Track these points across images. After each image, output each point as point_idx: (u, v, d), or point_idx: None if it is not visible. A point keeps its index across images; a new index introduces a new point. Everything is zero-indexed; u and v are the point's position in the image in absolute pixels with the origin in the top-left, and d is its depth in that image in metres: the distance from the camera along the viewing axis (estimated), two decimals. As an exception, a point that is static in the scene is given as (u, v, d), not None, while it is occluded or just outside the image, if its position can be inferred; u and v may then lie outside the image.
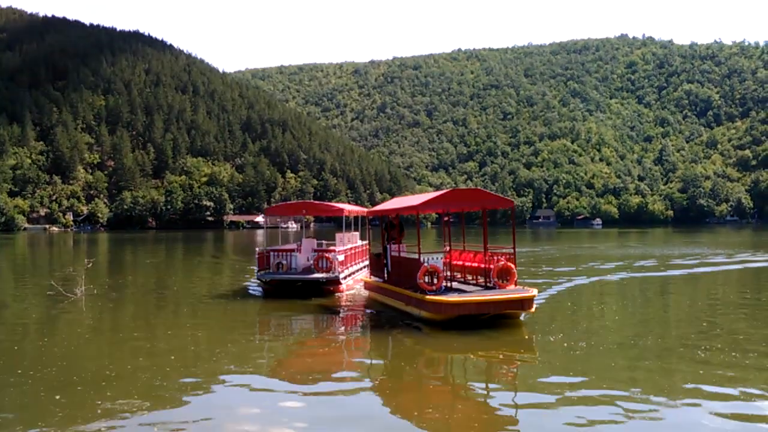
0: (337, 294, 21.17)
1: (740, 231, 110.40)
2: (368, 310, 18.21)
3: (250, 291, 22.65)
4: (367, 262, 26.54)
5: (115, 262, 45.28)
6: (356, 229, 27.92)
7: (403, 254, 17.82)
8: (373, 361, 12.66)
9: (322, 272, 21.15)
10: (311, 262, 22.10)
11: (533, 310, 15.12)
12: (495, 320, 14.79)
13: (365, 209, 27.82)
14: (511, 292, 15.35)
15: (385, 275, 18.74)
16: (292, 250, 22.72)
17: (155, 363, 11.77)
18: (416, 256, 16.18)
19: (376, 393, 10.06)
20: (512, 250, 16.59)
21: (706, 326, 15.29)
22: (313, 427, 8.38)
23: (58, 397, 9.48)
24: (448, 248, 19.85)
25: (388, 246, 18.64)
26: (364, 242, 27.28)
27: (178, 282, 28.61)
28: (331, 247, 23.35)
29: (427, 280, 15.31)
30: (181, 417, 8.71)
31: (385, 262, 18.78)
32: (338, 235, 25.38)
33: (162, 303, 21.02)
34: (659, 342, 13.39)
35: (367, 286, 21.01)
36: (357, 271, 24.72)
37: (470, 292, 15.75)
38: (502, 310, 14.87)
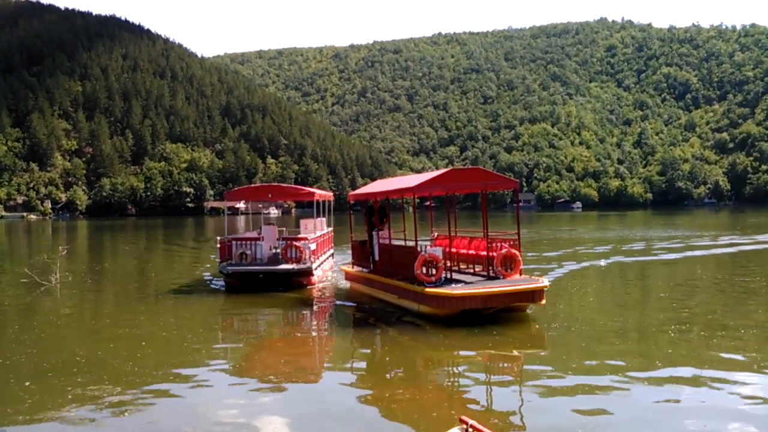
0: (309, 286, 19.29)
1: (718, 213, 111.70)
2: (352, 303, 16.71)
3: (212, 285, 20.53)
4: (332, 251, 25.42)
5: (93, 249, 44.99)
6: (323, 215, 25.66)
7: (394, 242, 16.35)
8: (368, 359, 11.58)
9: (292, 263, 19.20)
10: (274, 251, 20.36)
11: (544, 302, 13.81)
12: (498, 314, 13.67)
13: (331, 193, 26.53)
14: (520, 282, 13.97)
15: (371, 265, 17.31)
16: (257, 239, 20.50)
17: (126, 349, 11.78)
18: (409, 243, 15.11)
19: (369, 392, 9.55)
20: (516, 236, 15.34)
21: (686, 311, 15.52)
22: (292, 418, 8.43)
23: (27, 383, 9.47)
24: (435, 234, 18.80)
25: (374, 233, 17.22)
26: (330, 229, 25.82)
27: (154, 269, 28.48)
28: (302, 235, 21.16)
29: (425, 270, 13.83)
30: (153, 403, 8.73)
31: (371, 250, 17.32)
32: (303, 222, 23.50)
33: (136, 290, 20.94)
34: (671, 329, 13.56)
35: (349, 276, 19.25)
36: (325, 260, 22.93)
37: (472, 283, 14.27)
38: (512, 302, 13.58)
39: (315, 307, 16.89)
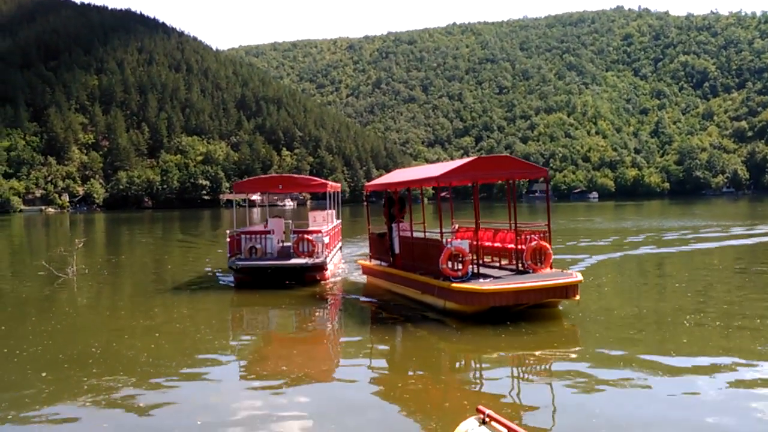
0: (322, 282, 18.52)
1: (736, 203, 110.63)
2: (370, 299, 16.10)
3: (220, 282, 19.76)
4: (341, 244, 24.73)
5: (110, 242, 45.37)
6: (333, 207, 24.55)
7: (416, 234, 15.55)
8: (387, 354, 11.18)
9: (304, 257, 18.42)
10: (282, 244, 19.87)
11: (578, 297, 13.05)
12: (528, 310, 12.94)
13: (339, 184, 25.67)
14: (552, 277, 13.21)
15: (390, 258, 16.63)
16: (267, 232, 19.68)
17: (141, 341, 11.88)
18: (428, 236, 14.64)
19: (383, 383, 9.46)
20: (546, 227, 14.53)
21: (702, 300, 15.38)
22: (305, 408, 8.46)
23: (44, 374, 9.58)
24: (456, 226, 18.03)
25: (394, 225, 16.56)
26: (338, 221, 25.03)
27: (170, 262, 28.63)
28: (314, 228, 20.31)
29: (450, 264, 13.12)
30: (167, 394, 8.80)
31: (390, 243, 16.65)
32: (311, 214, 22.89)
33: (152, 282, 21.01)
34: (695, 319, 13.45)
35: (367, 270, 18.48)
36: (335, 254, 22.08)
37: (501, 277, 13.50)
38: (544, 298, 12.84)
39: (331, 302, 16.36)
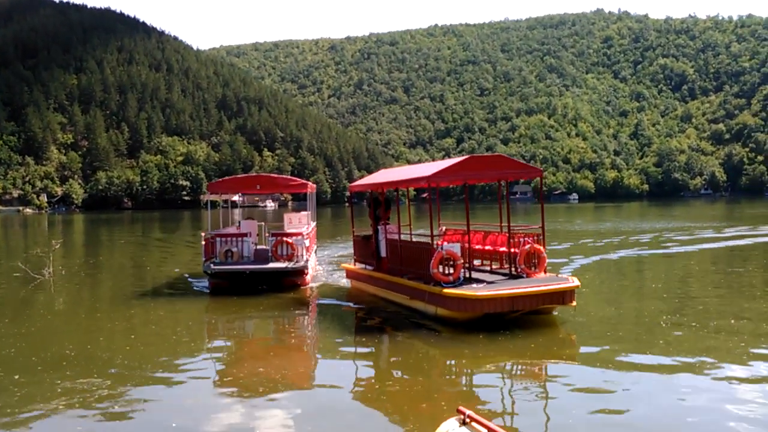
0: (303, 287, 17.68)
1: (714, 204, 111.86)
2: (354, 304, 15.53)
3: (194, 287, 18.80)
4: (315, 247, 24.02)
5: (88, 243, 44.95)
6: (309, 208, 23.75)
7: (404, 237, 15.08)
8: (372, 360, 10.87)
9: (283, 260, 17.61)
10: (256, 247, 19.20)
11: (574, 303, 12.58)
12: (522, 316, 12.49)
13: (314, 185, 24.75)
14: (548, 282, 12.75)
15: (376, 262, 16.09)
16: (244, 235, 18.74)
17: (117, 343, 11.78)
18: (415, 238, 14.29)
19: (363, 386, 9.43)
20: (539, 229, 14.01)
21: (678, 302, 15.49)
22: (281, 412, 8.41)
23: (17, 377, 9.47)
24: (443, 229, 17.48)
25: (380, 227, 15.99)
26: (314, 224, 24.09)
27: (149, 263, 28.41)
28: (294, 230, 19.55)
29: (442, 269, 12.60)
30: (142, 397, 8.72)
31: (376, 245, 16.10)
32: (287, 215, 22.35)
33: (129, 284, 20.81)
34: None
35: (351, 274, 17.84)
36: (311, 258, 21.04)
37: (494, 282, 12.95)
38: (540, 304, 12.33)
39: (312, 307, 15.85)
